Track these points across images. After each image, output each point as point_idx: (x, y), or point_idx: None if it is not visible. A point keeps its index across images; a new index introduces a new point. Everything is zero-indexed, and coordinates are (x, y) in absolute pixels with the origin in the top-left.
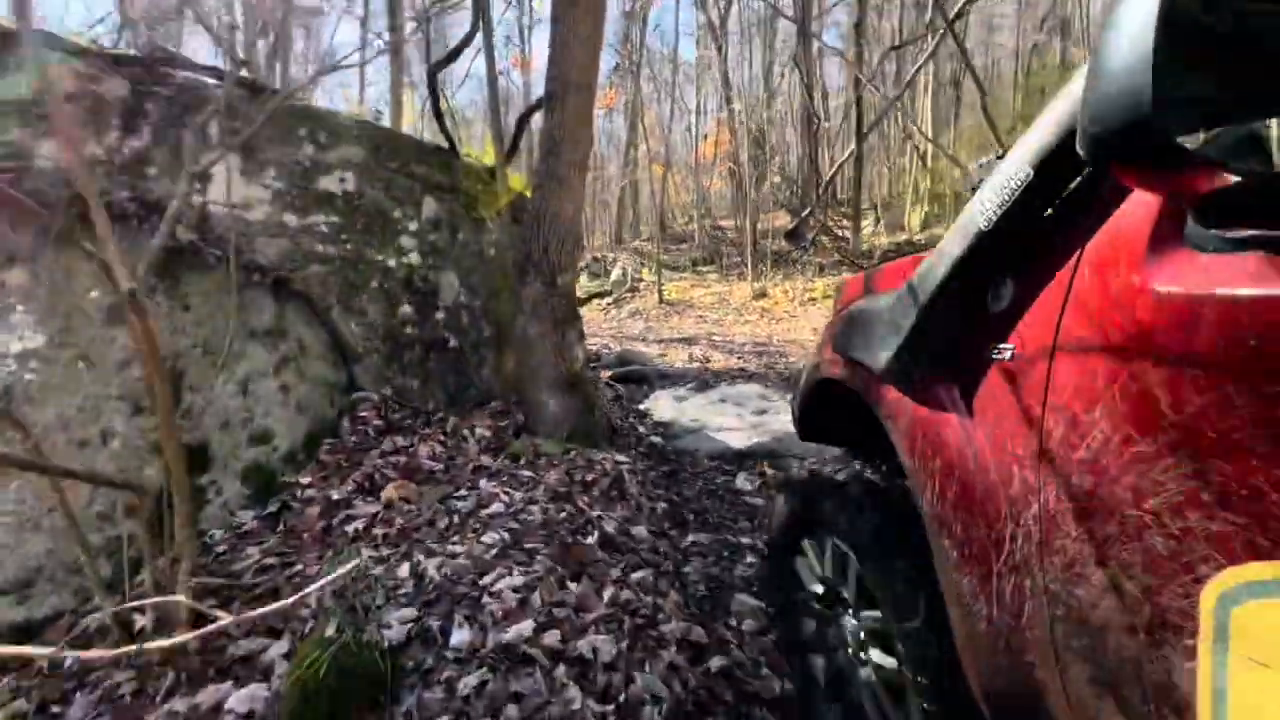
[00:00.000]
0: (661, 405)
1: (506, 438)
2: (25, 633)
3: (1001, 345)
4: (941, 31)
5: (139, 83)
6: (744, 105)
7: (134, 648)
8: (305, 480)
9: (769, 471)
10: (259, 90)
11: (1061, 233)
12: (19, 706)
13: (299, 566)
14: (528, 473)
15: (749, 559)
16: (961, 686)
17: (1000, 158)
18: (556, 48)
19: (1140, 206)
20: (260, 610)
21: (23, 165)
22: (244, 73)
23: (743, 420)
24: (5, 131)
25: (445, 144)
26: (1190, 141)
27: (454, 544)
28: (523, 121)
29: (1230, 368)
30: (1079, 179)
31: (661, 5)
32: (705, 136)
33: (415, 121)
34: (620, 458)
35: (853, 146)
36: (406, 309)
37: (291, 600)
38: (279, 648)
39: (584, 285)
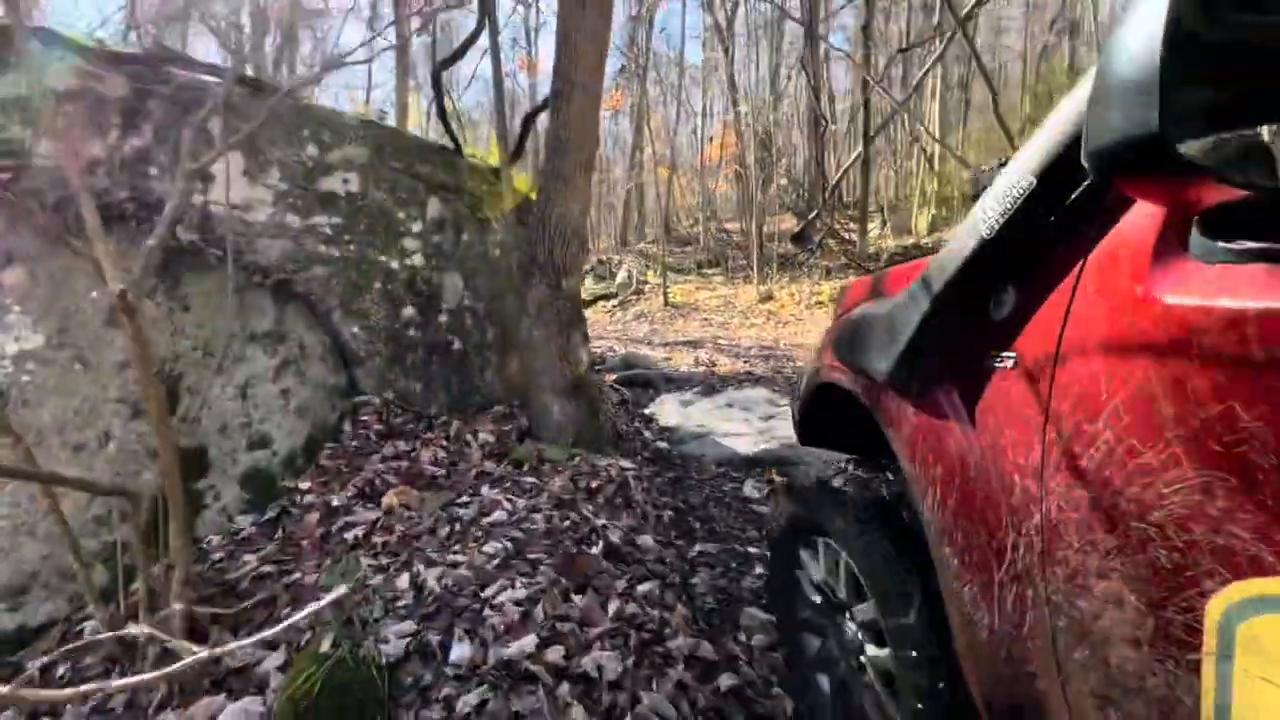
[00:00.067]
0: (667, 410)
1: (510, 443)
2: (19, 641)
3: (1004, 353)
4: (950, 34)
5: (140, 81)
6: (750, 108)
7: (95, 686)
8: (305, 485)
9: (777, 479)
10: (262, 89)
11: (1064, 242)
12: (8, 717)
13: (297, 575)
14: (531, 479)
15: (758, 570)
16: (962, 693)
17: (1003, 165)
18: (562, 45)
19: (1144, 217)
20: (251, 639)
21: (21, 164)
22: (249, 71)
23: (750, 426)
24: (4, 130)
25: (450, 144)
26: (1193, 148)
27: (455, 553)
28: (528, 122)
29: (1234, 380)
30: (1082, 188)
31: (668, 8)
32: (711, 139)
33: (421, 123)
34: (625, 464)
35: (859, 149)
36: (409, 311)
37: (283, 626)
38: (274, 659)
39: (589, 288)
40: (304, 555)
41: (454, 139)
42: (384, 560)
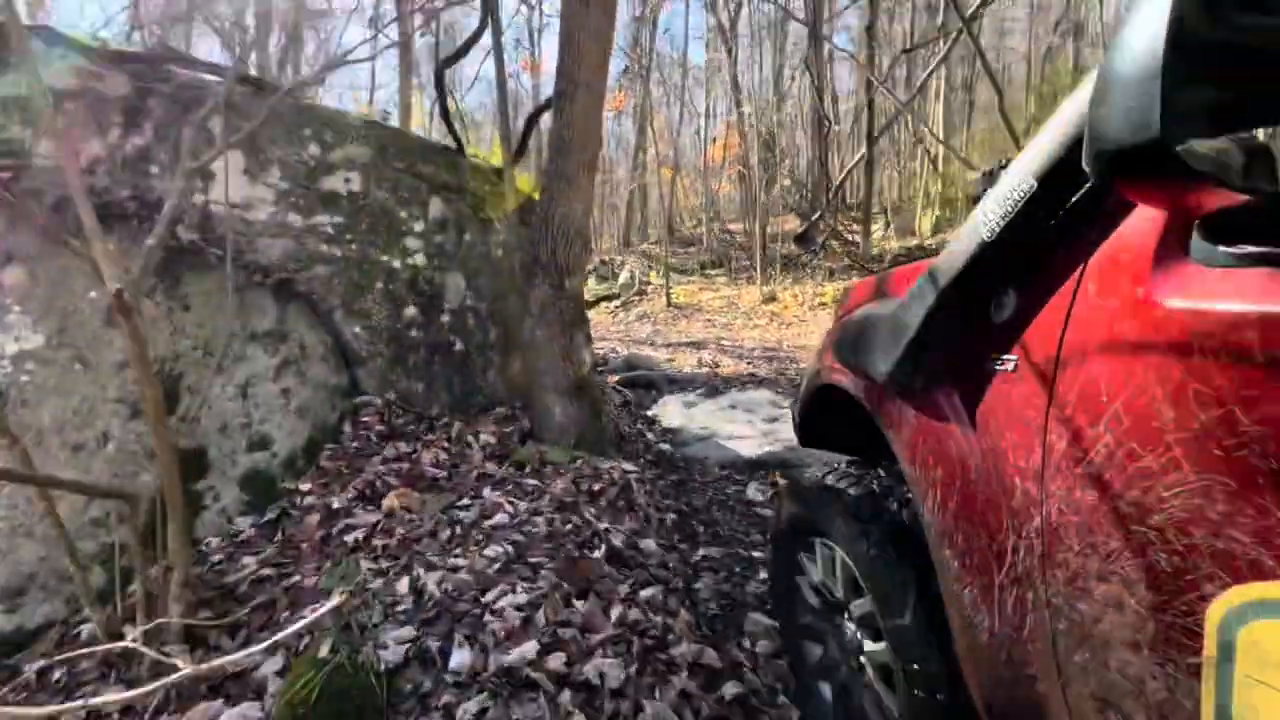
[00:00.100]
0: (670, 411)
1: (512, 444)
2: (16, 643)
3: (1004, 356)
4: (955, 34)
5: (142, 80)
6: (754, 108)
7: (78, 704)
8: (305, 487)
9: (781, 481)
10: (263, 88)
11: (1065, 245)
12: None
13: (296, 578)
14: (533, 481)
15: (762, 575)
16: (962, 696)
17: (1004, 167)
18: (566, 44)
19: (1145, 220)
20: (246, 651)
21: (21, 164)
22: (253, 71)
23: (754, 428)
24: (4, 130)
25: (452, 143)
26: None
27: (456, 557)
28: (531, 121)
29: (1235, 383)
30: (1083, 191)
31: (671, 9)
32: (714, 140)
33: (424, 124)
34: (628, 466)
35: (863, 150)
36: (411, 311)
37: (279, 636)
38: (273, 664)
39: (592, 288)
40: (303, 558)
41: (457, 138)
42: (384, 564)
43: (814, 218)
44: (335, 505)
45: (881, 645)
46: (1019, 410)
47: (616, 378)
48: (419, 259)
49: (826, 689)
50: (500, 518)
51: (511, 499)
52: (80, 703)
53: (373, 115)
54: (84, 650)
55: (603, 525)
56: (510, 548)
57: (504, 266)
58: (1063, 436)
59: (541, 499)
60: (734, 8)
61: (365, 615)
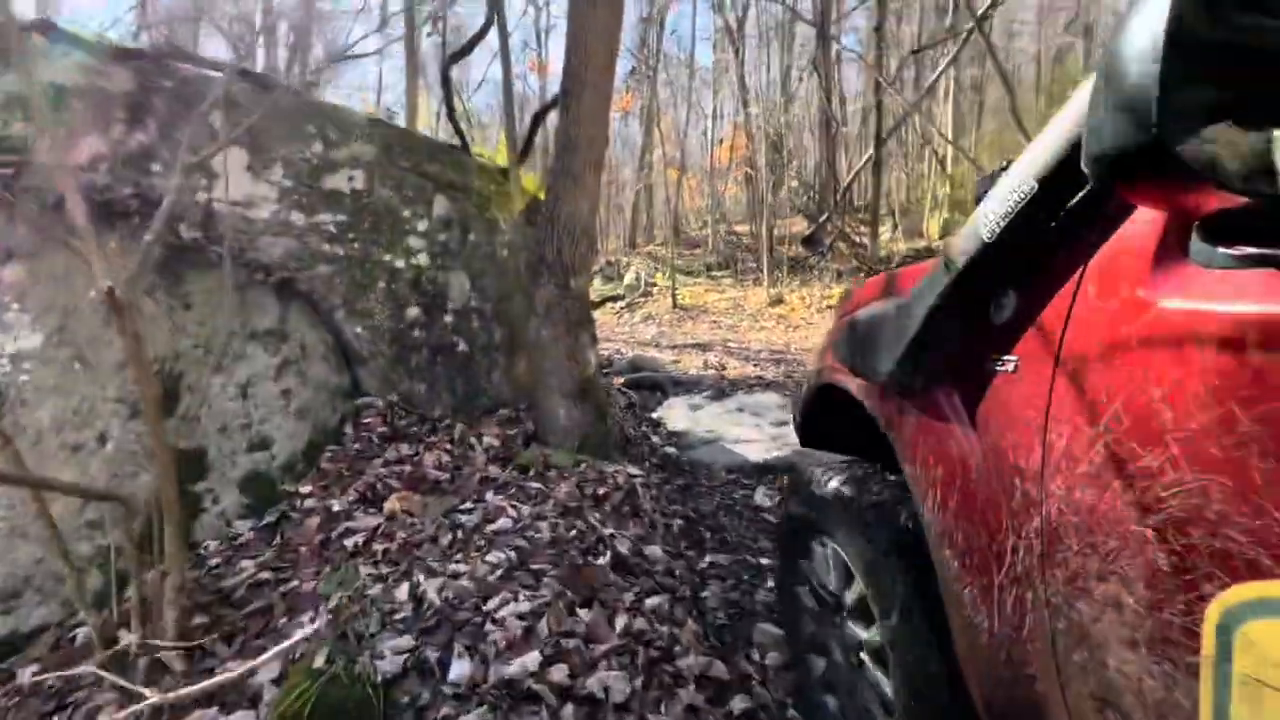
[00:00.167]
0: (676, 414)
1: (515, 447)
2: (11, 646)
3: (1005, 356)
4: (965, 34)
5: (145, 77)
6: (761, 110)
7: None
8: (305, 489)
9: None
10: (267, 85)
11: (1065, 246)
12: None
13: (294, 583)
14: (537, 485)
15: (770, 583)
16: (961, 694)
17: (1005, 169)
18: (573, 44)
19: (1144, 222)
20: (242, 668)
21: (22, 161)
22: (258, 69)
23: (761, 431)
24: (5, 127)
25: (458, 141)
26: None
27: (457, 563)
28: (537, 120)
29: (1234, 384)
30: (1083, 193)
31: (679, 10)
32: (721, 141)
33: (430, 124)
34: (633, 470)
35: (871, 152)
36: (414, 311)
37: (274, 652)
38: (268, 672)
39: (597, 289)
40: (302, 562)
41: (462, 137)
42: (384, 569)
43: (821, 219)
44: (335, 508)
45: (877, 635)
46: (1019, 410)
47: (621, 379)
48: (423, 258)
49: (831, 702)
50: (503, 522)
51: (514, 503)
52: None
53: (378, 115)
54: (75, 670)
55: (607, 531)
56: (513, 554)
57: (509, 266)
58: (1063, 436)
59: (545, 503)
60: (741, 9)
61: (363, 623)
